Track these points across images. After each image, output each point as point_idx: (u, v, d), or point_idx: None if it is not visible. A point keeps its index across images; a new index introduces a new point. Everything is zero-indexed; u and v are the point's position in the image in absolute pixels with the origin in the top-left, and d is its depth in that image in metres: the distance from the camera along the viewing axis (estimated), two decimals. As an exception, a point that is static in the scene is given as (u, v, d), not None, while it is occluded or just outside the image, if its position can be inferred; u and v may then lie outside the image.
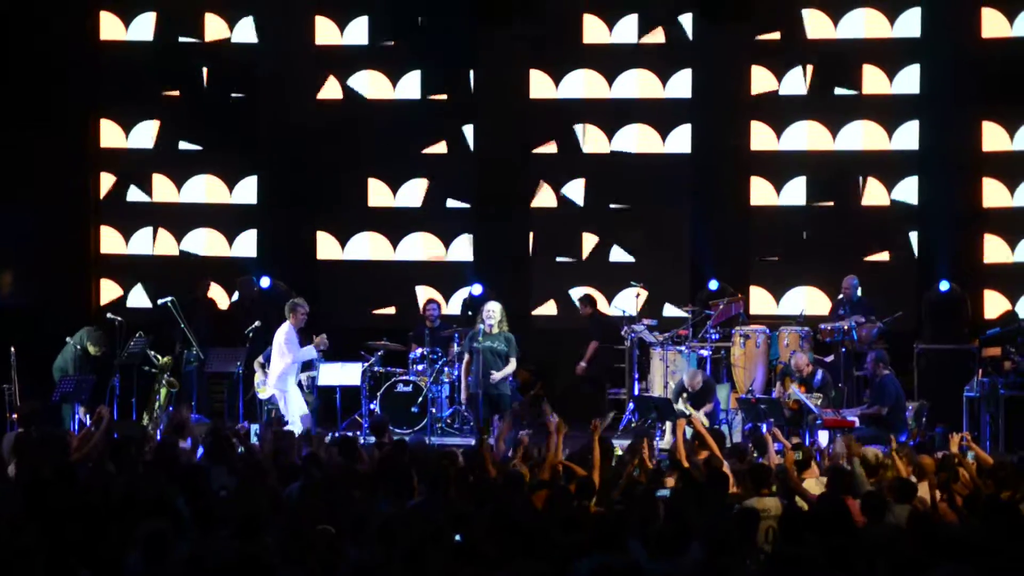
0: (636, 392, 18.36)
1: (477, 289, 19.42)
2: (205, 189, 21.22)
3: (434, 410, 18.04)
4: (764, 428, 15.36)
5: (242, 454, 12.68)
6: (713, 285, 19.15)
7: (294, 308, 16.82)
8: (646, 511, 9.59)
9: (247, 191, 21.16)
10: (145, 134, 21.16)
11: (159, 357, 18.01)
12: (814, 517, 9.37)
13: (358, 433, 16.46)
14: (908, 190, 20.13)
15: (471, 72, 20.74)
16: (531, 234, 20.87)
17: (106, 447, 12.02)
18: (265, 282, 19.71)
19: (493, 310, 16.51)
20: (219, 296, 20.72)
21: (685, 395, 17.06)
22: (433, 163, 20.94)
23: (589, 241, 20.83)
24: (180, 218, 21.24)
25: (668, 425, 16.26)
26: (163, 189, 21.22)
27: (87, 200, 21.16)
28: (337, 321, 19.20)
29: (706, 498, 10.39)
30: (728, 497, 10.76)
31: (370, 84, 21.01)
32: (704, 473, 11.34)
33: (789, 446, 12.80)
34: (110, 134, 21.20)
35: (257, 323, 18.25)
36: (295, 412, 16.42)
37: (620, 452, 13.15)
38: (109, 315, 18.22)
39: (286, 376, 16.64)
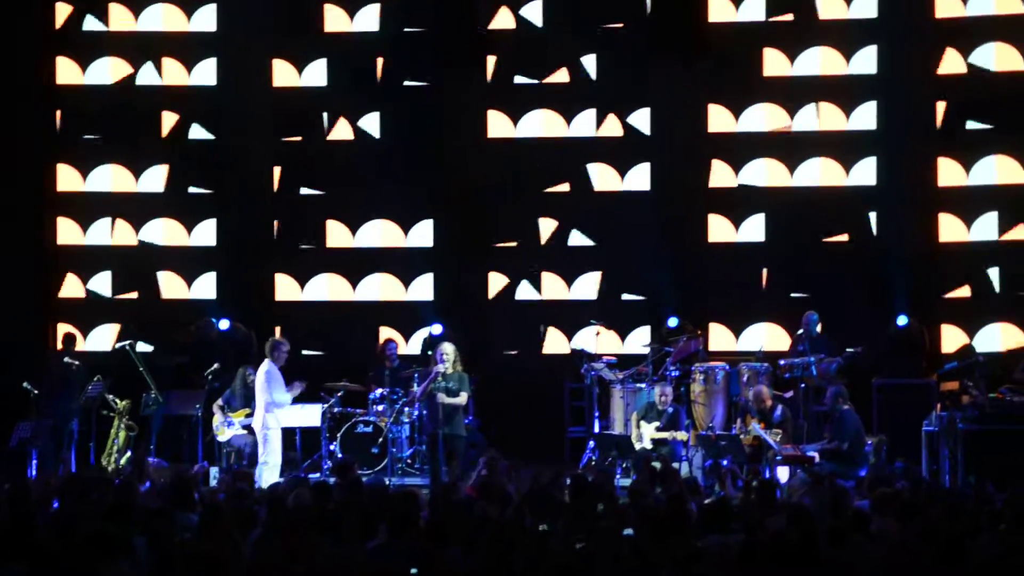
0: (597, 430, 18.35)
1: (437, 329, 19.42)
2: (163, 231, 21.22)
3: (395, 450, 18.00)
4: (724, 464, 15.40)
5: (200, 498, 12.60)
6: (672, 322, 19.20)
7: (276, 347, 16.75)
8: (611, 550, 9.55)
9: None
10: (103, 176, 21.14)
11: (117, 400, 17.94)
12: (776, 551, 9.36)
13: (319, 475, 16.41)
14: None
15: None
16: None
17: (66, 491, 11.93)
18: (224, 324, 19.66)
19: (447, 352, 16.50)
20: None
21: (647, 418, 17.13)
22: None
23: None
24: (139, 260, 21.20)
25: (631, 461, 16.29)
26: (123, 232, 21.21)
27: (45, 242, 21.09)
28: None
29: (669, 536, 10.36)
30: (689, 534, 10.74)
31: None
32: (664, 510, 11.31)
33: (750, 481, 12.84)
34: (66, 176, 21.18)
35: (216, 365, 18.21)
36: (270, 454, 16.33)
37: None
38: (67, 359, 18.10)
39: (269, 415, 16.54)
